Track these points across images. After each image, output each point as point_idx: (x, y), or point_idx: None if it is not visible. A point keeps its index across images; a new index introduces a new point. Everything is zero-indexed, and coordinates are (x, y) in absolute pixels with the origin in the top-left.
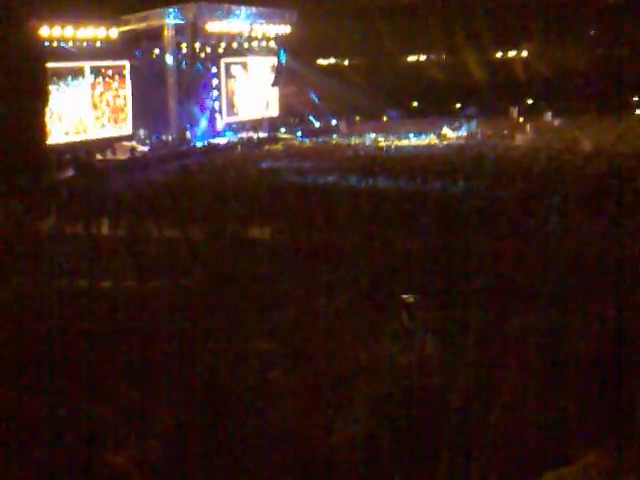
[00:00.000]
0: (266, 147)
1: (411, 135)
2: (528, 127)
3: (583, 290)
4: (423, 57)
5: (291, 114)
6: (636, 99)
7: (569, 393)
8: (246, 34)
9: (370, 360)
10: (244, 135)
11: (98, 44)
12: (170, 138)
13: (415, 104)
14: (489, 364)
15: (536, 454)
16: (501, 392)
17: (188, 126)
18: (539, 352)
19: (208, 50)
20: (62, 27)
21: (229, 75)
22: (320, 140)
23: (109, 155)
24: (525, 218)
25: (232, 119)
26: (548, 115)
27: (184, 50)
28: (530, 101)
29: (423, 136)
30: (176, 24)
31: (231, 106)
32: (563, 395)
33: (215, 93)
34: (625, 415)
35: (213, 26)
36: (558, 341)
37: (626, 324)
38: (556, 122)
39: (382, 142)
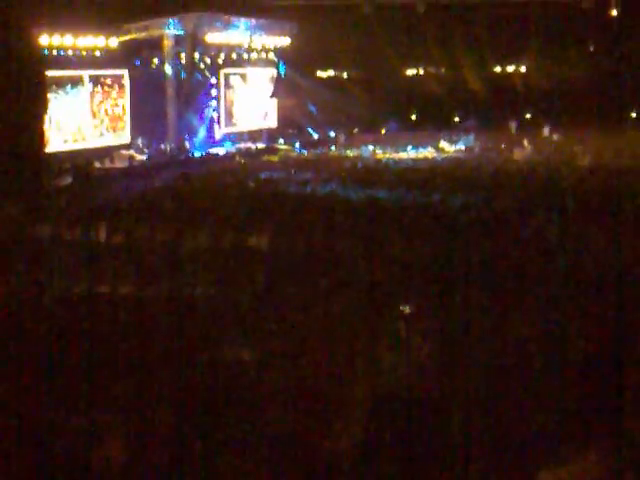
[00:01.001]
0: (264, 157)
1: (409, 148)
2: (526, 141)
3: (579, 302)
4: (422, 70)
5: (289, 125)
6: (635, 115)
7: (567, 398)
8: (246, 45)
9: (366, 368)
10: (242, 145)
11: (97, 53)
12: (168, 147)
13: (414, 117)
14: (486, 371)
15: (534, 454)
16: (498, 397)
17: (186, 136)
18: (537, 358)
19: (207, 60)
20: (62, 35)
21: (228, 86)
22: (318, 151)
23: (107, 163)
24: (522, 231)
25: (230, 129)
26: (547, 129)
27: (183, 60)
28: (529, 115)
29: (421, 149)
30: (176, 34)
31: (230, 116)
32: (561, 400)
33: (214, 103)
34: (623, 416)
35: (213, 37)
36: (556, 347)
37: (622, 333)
38: (555, 136)
39: (380, 154)
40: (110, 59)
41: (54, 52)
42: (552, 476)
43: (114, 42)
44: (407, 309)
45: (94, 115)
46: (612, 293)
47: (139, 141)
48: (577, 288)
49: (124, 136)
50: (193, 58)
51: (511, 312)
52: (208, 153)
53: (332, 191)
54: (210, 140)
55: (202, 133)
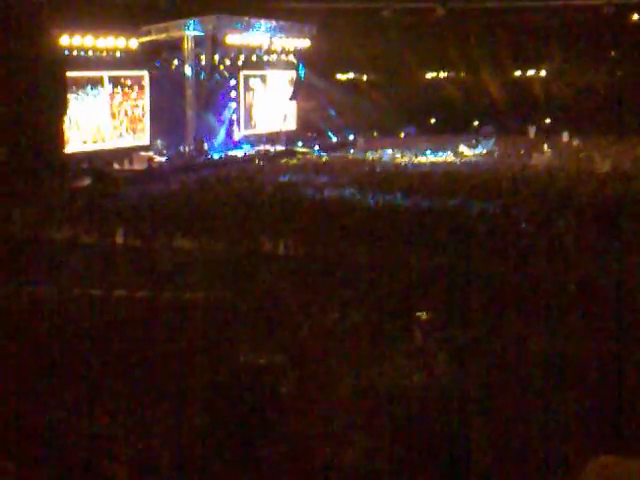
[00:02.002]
0: (283, 160)
1: (428, 152)
2: (545, 147)
3: (594, 312)
4: (442, 74)
5: (309, 128)
6: None
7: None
8: (265, 47)
9: (380, 378)
10: (261, 148)
11: (118, 54)
12: (187, 149)
13: (432, 121)
14: (498, 379)
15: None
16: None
17: (205, 137)
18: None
19: (227, 62)
20: (82, 36)
21: (247, 88)
22: (337, 155)
23: (126, 165)
24: (540, 238)
25: (250, 132)
26: (566, 135)
27: (203, 62)
28: (548, 120)
29: (440, 153)
30: (196, 36)
31: (249, 118)
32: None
33: (233, 105)
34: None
35: (233, 38)
36: (564, 355)
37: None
38: (574, 142)
39: (399, 158)
40: (130, 60)
41: (74, 53)
42: None
43: (134, 43)
44: (423, 315)
45: (113, 116)
46: (627, 303)
47: (158, 143)
48: (591, 298)
49: (143, 138)
50: (213, 60)
51: (523, 322)
52: (227, 155)
53: (350, 196)
54: (229, 142)
55: (221, 135)
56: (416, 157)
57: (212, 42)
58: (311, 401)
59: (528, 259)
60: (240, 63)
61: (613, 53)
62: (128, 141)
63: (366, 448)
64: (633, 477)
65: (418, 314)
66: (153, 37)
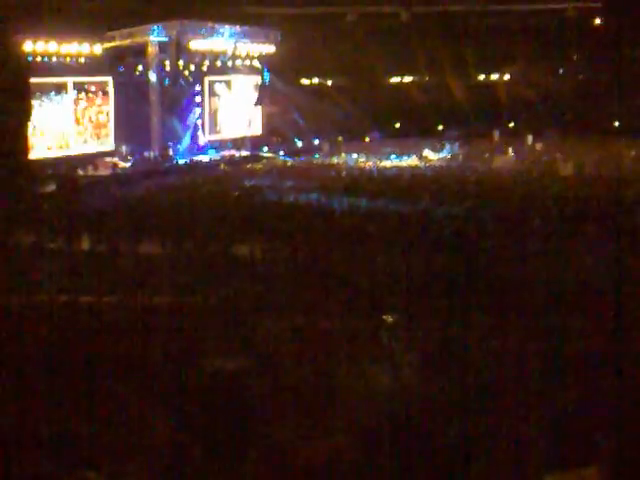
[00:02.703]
0: (248, 165)
1: (393, 156)
2: (510, 150)
3: (564, 311)
4: (406, 78)
5: (274, 133)
6: (617, 124)
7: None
8: (230, 53)
9: (350, 379)
10: (226, 153)
11: (82, 60)
12: (152, 155)
13: (397, 125)
14: (470, 382)
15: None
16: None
17: (170, 143)
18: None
19: (192, 68)
20: (46, 42)
21: (212, 93)
22: (302, 160)
23: (91, 171)
24: (505, 240)
25: (215, 137)
26: (530, 138)
27: (167, 67)
28: (512, 124)
29: (405, 157)
30: (160, 41)
31: (214, 124)
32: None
33: (198, 111)
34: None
35: (197, 44)
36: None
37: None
38: (538, 146)
39: (364, 163)
40: (94, 66)
41: (38, 59)
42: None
43: (98, 49)
44: (389, 318)
45: (78, 122)
46: (593, 301)
47: (123, 148)
48: (557, 297)
49: (108, 143)
50: (177, 65)
51: (491, 321)
52: (192, 161)
53: (316, 200)
54: (194, 148)
55: (186, 141)
56: (381, 162)
57: (176, 48)
58: (280, 405)
59: (494, 260)
60: (205, 68)
61: (576, 57)
62: (93, 147)
63: (337, 449)
64: None
65: (385, 317)
66: (117, 43)
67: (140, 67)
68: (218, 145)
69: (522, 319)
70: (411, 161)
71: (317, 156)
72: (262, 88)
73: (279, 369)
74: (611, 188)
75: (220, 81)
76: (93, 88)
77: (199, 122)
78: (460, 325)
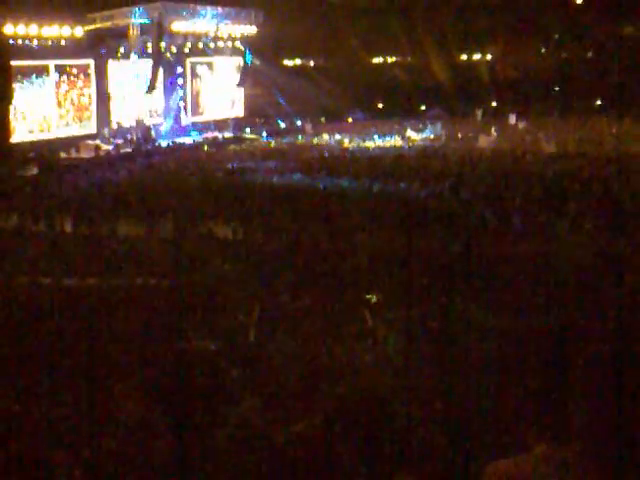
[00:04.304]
0: (231, 147)
1: (376, 136)
2: (492, 129)
3: (543, 290)
4: (389, 59)
5: (256, 114)
6: (599, 102)
7: (523, 388)
8: (212, 34)
9: (331, 358)
10: (209, 135)
11: (63, 42)
12: (135, 137)
13: (380, 105)
14: (449, 361)
15: (486, 443)
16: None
17: (152, 125)
18: (498, 349)
19: (174, 50)
20: (27, 25)
21: (195, 75)
22: (285, 141)
23: (73, 153)
24: (489, 218)
25: (197, 119)
26: (512, 117)
27: (149, 49)
28: (494, 103)
29: (387, 137)
30: (141, 23)
31: (196, 106)
32: (517, 390)
33: (180, 92)
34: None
35: (179, 26)
36: (515, 338)
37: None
38: (520, 124)
39: (347, 143)
40: (76, 49)
41: (19, 42)
42: (500, 465)
43: (79, 31)
44: (373, 297)
45: (60, 105)
46: (573, 278)
47: (105, 131)
48: (540, 274)
49: (90, 126)
50: (159, 47)
51: (473, 300)
52: (175, 142)
53: (299, 180)
54: (177, 129)
55: (168, 122)
56: (364, 142)
57: (158, 29)
58: (260, 384)
59: (477, 238)
60: (187, 50)
61: (557, 36)
62: (75, 130)
63: (315, 429)
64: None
65: (368, 296)
66: (98, 25)
67: (122, 49)
68: (201, 127)
69: (505, 295)
70: (394, 141)
71: (300, 137)
72: (244, 69)
73: (254, 349)
74: (592, 165)
75: (202, 63)
76: (75, 71)
77: (181, 104)
78: (441, 303)
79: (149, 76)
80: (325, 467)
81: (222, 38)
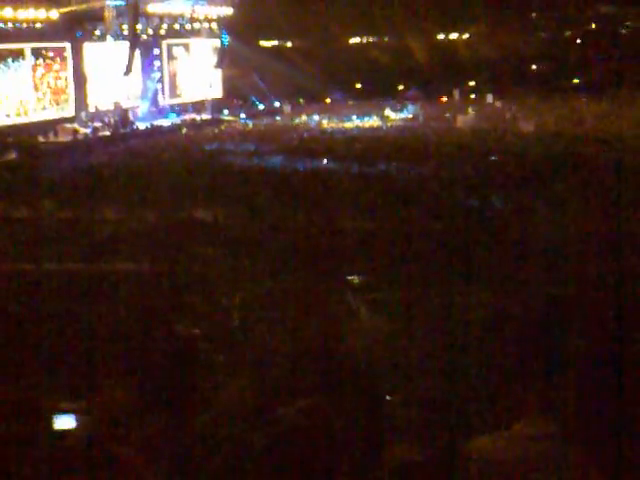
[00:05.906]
0: (210, 129)
1: (354, 117)
2: (470, 109)
3: (525, 269)
4: (366, 39)
5: (234, 96)
6: (577, 81)
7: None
8: (188, 16)
9: (315, 340)
10: (187, 117)
11: (38, 25)
12: (112, 120)
13: (359, 86)
14: (432, 343)
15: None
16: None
17: (130, 108)
18: (480, 329)
19: (150, 31)
20: (1, 8)
21: (171, 57)
22: (264, 122)
23: (51, 137)
24: (468, 199)
25: (175, 101)
26: (490, 97)
27: (125, 32)
28: (472, 83)
29: (366, 118)
30: (117, 5)
31: (174, 88)
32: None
33: (157, 75)
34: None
35: (154, 7)
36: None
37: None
38: (498, 104)
39: (326, 124)
40: (51, 31)
41: None
42: (480, 442)
43: (54, 14)
44: (356, 279)
45: (37, 88)
46: (558, 260)
47: (82, 114)
48: (524, 256)
49: (67, 109)
50: (135, 29)
51: (455, 284)
52: (153, 125)
53: (278, 162)
54: (154, 112)
55: (146, 105)
56: (343, 123)
57: (133, 11)
58: (243, 367)
59: (459, 219)
60: (163, 32)
61: (534, 14)
62: (52, 113)
63: (299, 409)
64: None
65: (350, 277)
66: (74, 7)
67: (98, 32)
68: (179, 109)
69: (487, 273)
70: (373, 122)
71: (278, 118)
72: (221, 51)
73: (238, 332)
74: (569, 144)
75: (179, 44)
76: (51, 54)
77: (159, 86)
78: (425, 285)
79: (126, 59)
80: (319, 444)
81: (198, 19)
